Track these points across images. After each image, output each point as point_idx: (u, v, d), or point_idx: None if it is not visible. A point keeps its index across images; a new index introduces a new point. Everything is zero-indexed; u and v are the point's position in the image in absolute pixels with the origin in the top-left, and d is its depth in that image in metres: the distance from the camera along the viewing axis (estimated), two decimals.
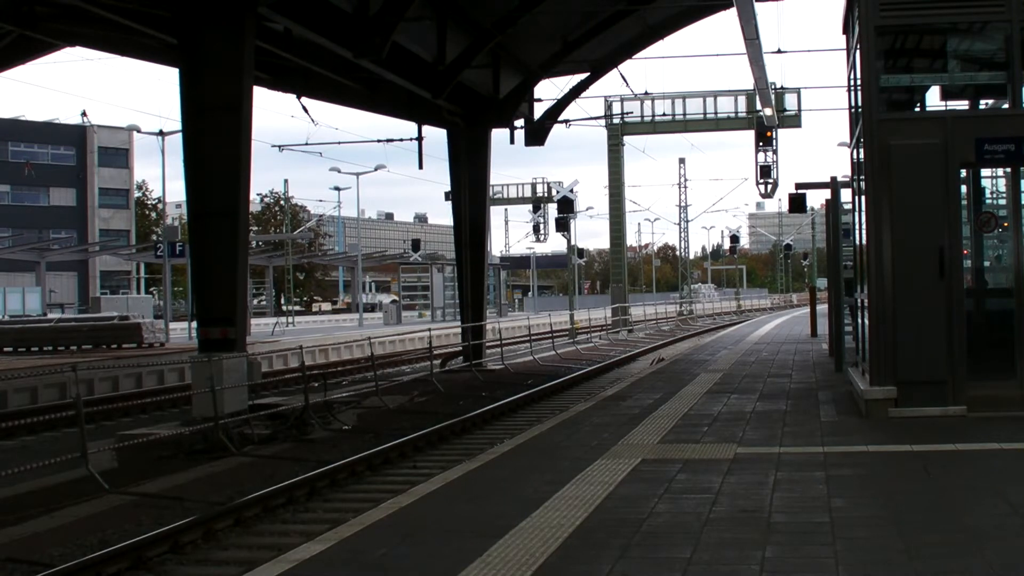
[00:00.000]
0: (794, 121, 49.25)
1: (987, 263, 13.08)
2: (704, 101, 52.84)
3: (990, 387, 11.42)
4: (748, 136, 51.00)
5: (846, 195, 17.71)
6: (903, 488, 8.02)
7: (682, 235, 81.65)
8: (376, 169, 56.64)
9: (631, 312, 53.76)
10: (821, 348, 23.01)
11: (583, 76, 31.27)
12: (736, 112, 52.15)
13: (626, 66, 34.05)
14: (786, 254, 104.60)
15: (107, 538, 10.13)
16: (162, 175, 77.97)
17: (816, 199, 58.53)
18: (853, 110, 13.71)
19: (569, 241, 47.23)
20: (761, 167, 40.84)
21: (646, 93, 41.11)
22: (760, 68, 26.08)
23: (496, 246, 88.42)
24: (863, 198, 12.19)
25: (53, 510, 11.39)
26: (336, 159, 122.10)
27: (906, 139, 11.45)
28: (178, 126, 21.17)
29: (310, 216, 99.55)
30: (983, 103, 13.72)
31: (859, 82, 12.58)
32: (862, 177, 12.25)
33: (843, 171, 26.45)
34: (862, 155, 12.14)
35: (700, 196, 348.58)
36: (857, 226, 14.03)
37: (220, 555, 9.77)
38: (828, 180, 19.22)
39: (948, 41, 12.76)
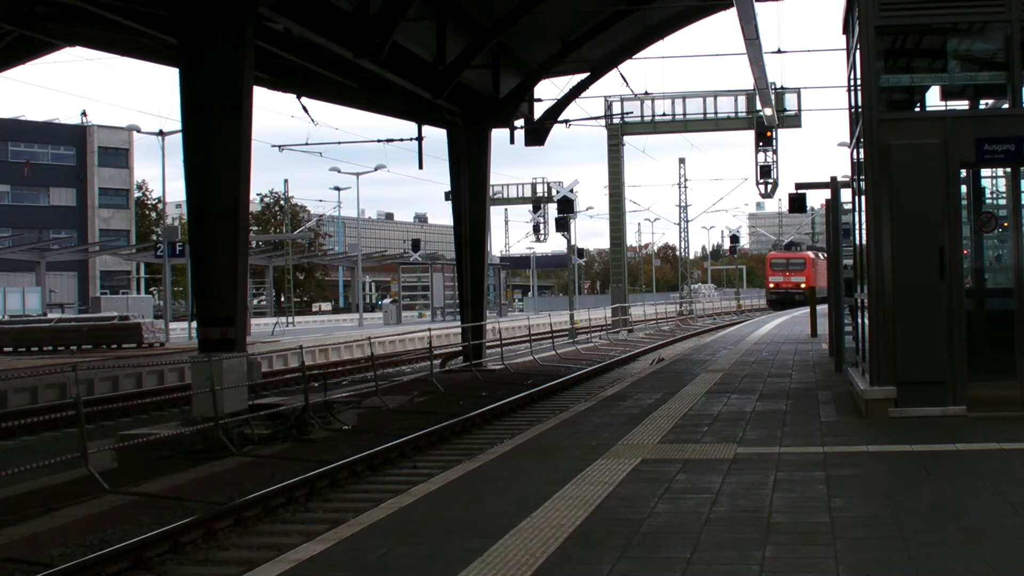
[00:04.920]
0: (794, 121, 49.27)
1: (987, 263, 13.07)
2: (704, 101, 52.85)
3: (990, 387, 11.41)
4: (748, 136, 51.13)
5: (846, 195, 17.71)
6: (903, 488, 8.02)
7: (682, 235, 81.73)
8: (376, 169, 56.69)
9: (631, 312, 53.77)
10: (821, 348, 23.00)
11: (583, 76, 31.27)
12: (736, 112, 52.17)
13: (626, 66, 34.13)
14: None
15: (107, 538, 10.14)
16: (162, 175, 78.02)
17: (816, 199, 58.72)
18: (853, 110, 13.71)
19: (569, 241, 47.23)
20: (761, 167, 40.88)
21: (646, 93, 41.14)
22: (760, 68, 26.09)
23: (496, 246, 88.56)
24: (863, 198, 12.19)
25: (53, 510, 11.39)
26: (336, 159, 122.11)
27: (906, 139, 11.44)
28: (178, 126, 21.20)
29: (310, 216, 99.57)
30: (983, 103, 13.71)
31: (859, 82, 12.58)
32: (862, 177, 12.25)
33: (843, 171, 26.47)
34: (862, 155, 12.14)
35: (700, 196, 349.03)
36: (857, 226, 14.02)
37: (220, 555, 9.78)
38: (828, 180, 19.20)
39: (948, 41, 12.76)
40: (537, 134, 31.52)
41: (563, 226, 44.54)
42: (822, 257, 74.03)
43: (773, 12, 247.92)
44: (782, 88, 45.59)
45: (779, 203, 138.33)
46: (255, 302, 66.63)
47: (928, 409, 11.18)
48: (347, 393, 21.35)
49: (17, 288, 58.81)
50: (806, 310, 36.06)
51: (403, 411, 19.69)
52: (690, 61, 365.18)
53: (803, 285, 69.33)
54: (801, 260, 73.37)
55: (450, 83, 25.01)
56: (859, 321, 14.13)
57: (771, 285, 75.07)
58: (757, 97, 40.34)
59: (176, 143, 43.16)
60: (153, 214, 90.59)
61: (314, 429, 17.03)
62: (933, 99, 13.77)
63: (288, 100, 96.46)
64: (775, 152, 41.31)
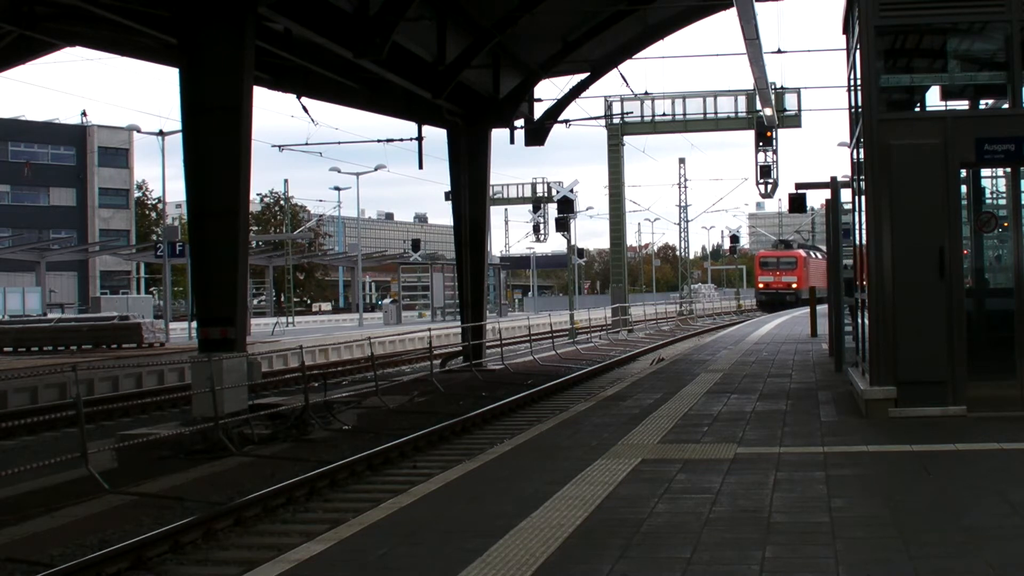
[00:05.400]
0: (794, 121, 49.28)
1: (987, 263, 13.07)
2: (704, 101, 52.86)
3: (990, 387, 11.41)
4: (748, 136, 51.11)
5: (846, 195, 17.71)
6: (903, 488, 8.02)
7: (682, 235, 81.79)
8: (376, 169, 56.69)
9: (631, 312, 53.76)
10: (821, 348, 23.00)
11: (583, 76, 31.27)
12: (736, 112, 52.17)
13: (626, 66, 34.14)
14: None
15: (107, 538, 10.14)
16: (162, 175, 77.99)
17: (816, 199, 58.42)
18: (853, 110, 13.71)
19: (569, 241, 47.23)
20: (761, 167, 40.90)
21: (646, 93, 41.14)
22: (760, 68, 26.12)
23: (496, 246, 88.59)
24: (863, 198, 12.19)
25: (53, 510, 11.39)
26: (336, 159, 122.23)
27: (906, 139, 11.44)
28: (178, 126, 21.20)
29: (310, 216, 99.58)
30: (983, 103, 13.71)
31: (859, 82, 12.58)
32: (862, 177, 12.25)
33: (843, 171, 26.47)
34: (862, 155, 12.14)
35: (700, 196, 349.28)
36: (857, 226, 14.02)
37: (220, 555, 9.78)
38: (828, 180, 19.21)
39: (948, 41, 12.76)
40: (537, 134, 31.52)
41: (563, 226, 44.53)
42: (815, 256, 70.94)
43: (773, 12, 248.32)
44: (782, 88, 45.60)
45: (779, 203, 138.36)
46: (255, 302, 66.62)
47: (928, 409, 11.18)
48: (347, 393, 21.34)
49: (17, 288, 58.80)
50: (804, 310, 36.03)
51: (403, 411, 19.69)
52: (690, 61, 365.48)
53: (795, 285, 66.64)
54: (792, 259, 70.20)
55: (450, 83, 25.01)
56: (859, 321, 14.13)
57: (760, 285, 71.34)
58: (757, 97, 40.38)
59: (176, 143, 43.17)
60: (153, 214, 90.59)
61: (314, 429, 17.03)
62: (933, 99, 13.78)
63: (288, 100, 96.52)
64: (775, 152, 41.33)
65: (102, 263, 77.26)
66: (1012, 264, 11.51)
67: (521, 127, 31.09)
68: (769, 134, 40.62)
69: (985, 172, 12.85)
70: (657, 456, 9.61)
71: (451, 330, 38.11)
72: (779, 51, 43.22)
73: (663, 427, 11.45)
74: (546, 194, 72.70)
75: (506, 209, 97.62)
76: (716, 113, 52.68)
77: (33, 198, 78.37)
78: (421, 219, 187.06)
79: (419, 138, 30.86)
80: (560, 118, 31.92)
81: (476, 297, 30.53)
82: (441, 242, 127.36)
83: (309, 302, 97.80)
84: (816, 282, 63.68)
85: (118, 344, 30.63)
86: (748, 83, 39.10)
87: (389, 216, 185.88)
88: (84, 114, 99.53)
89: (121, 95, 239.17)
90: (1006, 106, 12.09)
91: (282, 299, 75.19)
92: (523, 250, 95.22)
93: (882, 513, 7.15)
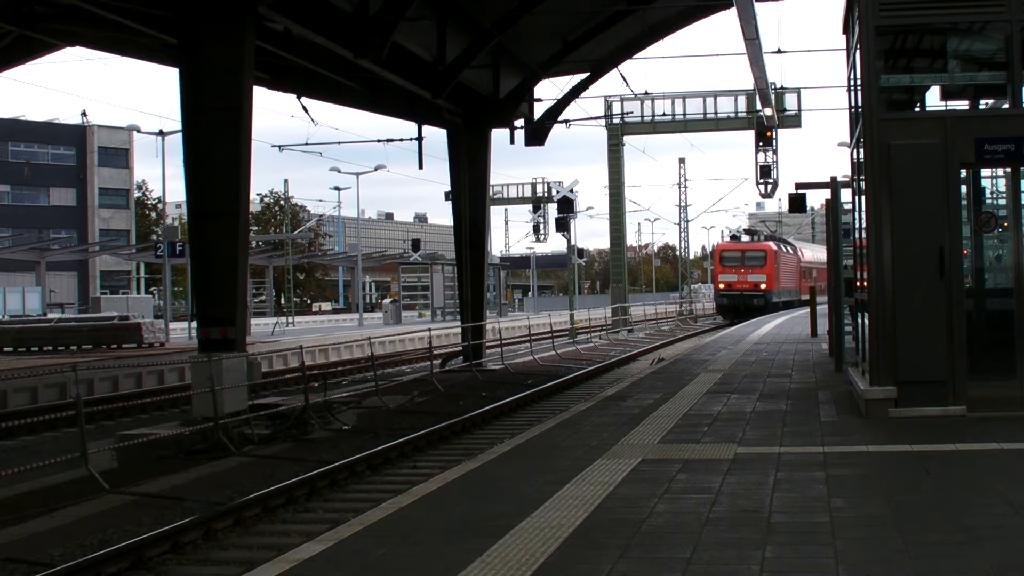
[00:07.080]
0: (794, 121, 49.28)
1: (987, 263, 13.07)
2: (704, 101, 52.85)
3: (990, 387, 11.41)
4: (748, 136, 51.11)
5: (846, 195, 17.73)
6: (903, 488, 8.02)
7: (682, 235, 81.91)
8: (376, 169, 56.69)
9: (631, 312, 53.74)
10: (821, 348, 23.00)
11: (583, 76, 31.29)
12: (736, 112, 52.16)
13: (626, 66, 34.20)
14: None
15: (107, 538, 10.14)
16: (162, 175, 78.40)
17: (816, 199, 58.03)
18: (853, 110, 13.71)
19: (569, 241, 47.23)
20: (761, 167, 40.94)
21: (646, 93, 41.22)
22: (760, 68, 26.14)
23: (496, 246, 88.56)
24: (863, 198, 12.19)
25: (53, 510, 11.39)
26: (336, 159, 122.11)
27: (906, 139, 11.44)
28: (178, 126, 21.21)
29: (310, 216, 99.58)
30: (983, 103, 13.71)
31: (859, 82, 12.58)
32: (862, 177, 12.26)
33: (843, 171, 26.48)
34: (862, 155, 12.14)
35: (700, 196, 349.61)
36: (857, 226, 14.03)
37: (220, 555, 9.78)
38: (828, 180, 19.23)
39: (948, 41, 12.76)
40: (537, 134, 31.54)
41: (563, 226, 44.53)
42: (786, 250, 61.60)
43: (773, 12, 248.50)
44: (782, 88, 45.59)
45: (779, 203, 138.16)
46: (255, 302, 66.61)
47: (928, 409, 11.18)
48: (347, 393, 21.35)
49: (17, 288, 58.76)
50: (806, 310, 35.94)
51: (403, 411, 19.69)
52: (690, 61, 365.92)
53: (763, 286, 55.24)
54: (760, 253, 56.89)
55: (450, 83, 25.01)
56: (859, 321, 14.13)
57: (721, 285, 57.52)
58: (757, 97, 40.38)
59: (176, 143, 43.19)
60: (153, 214, 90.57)
61: (314, 429, 17.03)
62: (933, 99, 13.78)
63: (288, 100, 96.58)
64: (775, 152, 41.38)
65: (102, 263, 77.25)
66: (1012, 264, 11.51)
67: (521, 127, 31.11)
68: (769, 134, 40.67)
69: (985, 172, 12.85)
70: (657, 456, 9.60)
71: (451, 330, 38.10)
72: (779, 51, 43.16)
73: (663, 427, 11.45)
74: (546, 194, 72.73)
75: (506, 209, 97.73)
76: (716, 113, 52.66)
77: (33, 198, 78.34)
78: (421, 219, 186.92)
79: (419, 138, 30.88)
80: (560, 118, 31.96)
81: (476, 297, 30.53)
82: (441, 242, 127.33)
83: (309, 302, 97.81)
84: (788, 283, 60.25)
85: (118, 344, 30.62)
86: (748, 83, 39.12)
87: (389, 216, 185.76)
88: (84, 114, 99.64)
89: (121, 95, 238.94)
90: (1006, 106, 12.09)
91: (282, 299, 75.17)
92: (523, 250, 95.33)
93: (882, 513, 7.15)
